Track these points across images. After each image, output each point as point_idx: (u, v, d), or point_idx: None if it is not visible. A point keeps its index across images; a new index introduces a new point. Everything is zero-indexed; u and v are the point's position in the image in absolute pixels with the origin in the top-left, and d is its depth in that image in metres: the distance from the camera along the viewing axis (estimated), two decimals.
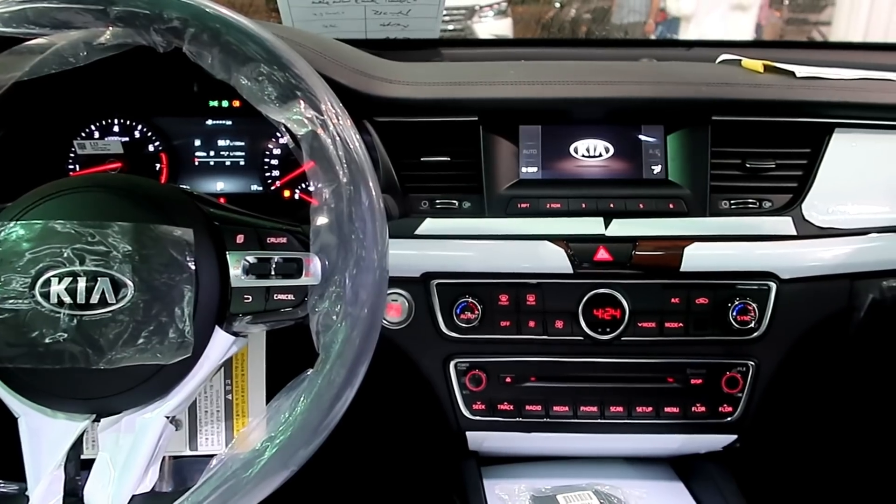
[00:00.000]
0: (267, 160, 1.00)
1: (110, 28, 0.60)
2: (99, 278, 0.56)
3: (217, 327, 0.61)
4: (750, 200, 0.89)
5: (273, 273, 0.60)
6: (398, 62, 1.01)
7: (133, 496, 0.60)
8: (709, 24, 4.78)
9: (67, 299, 0.55)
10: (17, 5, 0.58)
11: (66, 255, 0.56)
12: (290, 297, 0.60)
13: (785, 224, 0.87)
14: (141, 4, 0.57)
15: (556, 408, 0.91)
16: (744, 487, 0.95)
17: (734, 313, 0.86)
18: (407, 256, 0.86)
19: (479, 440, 0.96)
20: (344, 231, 0.57)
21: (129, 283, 0.56)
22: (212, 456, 0.60)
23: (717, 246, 0.86)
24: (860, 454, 1.18)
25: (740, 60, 1.07)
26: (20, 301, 0.56)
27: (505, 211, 0.88)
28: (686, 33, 5.00)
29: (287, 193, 1.01)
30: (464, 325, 0.87)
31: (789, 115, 0.89)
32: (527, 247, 0.86)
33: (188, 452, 0.83)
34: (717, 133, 0.88)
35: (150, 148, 1.00)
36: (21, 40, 0.60)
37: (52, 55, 0.65)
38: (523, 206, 0.88)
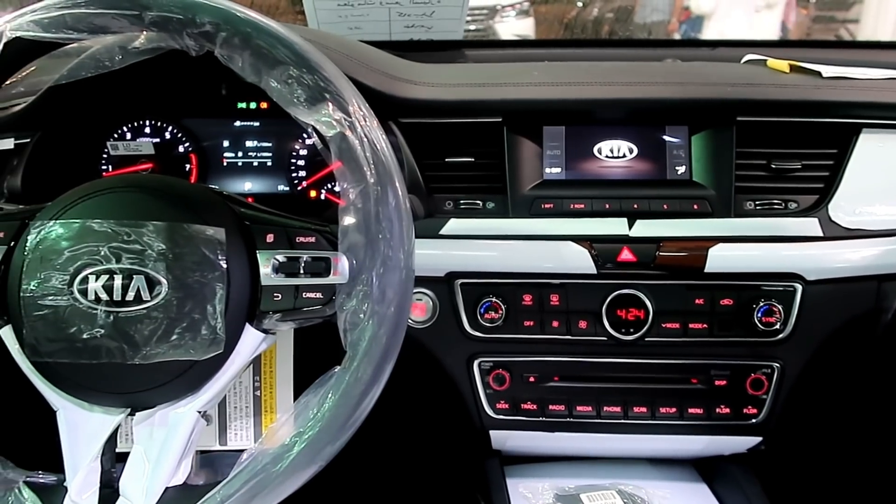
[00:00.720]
0: (294, 161, 1.02)
1: (145, 33, 0.61)
2: (134, 276, 0.57)
3: (247, 324, 0.62)
4: (775, 201, 0.89)
5: (302, 272, 0.61)
6: (422, 63, 1.02)
7: (166, 488, 0.61)
8: (733, 22, 4.72)
9: (104, 296, 0.57)
10: (57, 11, 0.60)
11: (103, 253, 0.58)
12: (319, 295, 0.61)
13: (811, 225, 0.86)
14: (175, 10, 0.59)
15: (579, 408, 0.91)
16: (768, 490, 0.94)
17: (759, 314, 0.86)
18: (431, 256, 0.87)
19: (503, 439, 0.96)
20: (371, 231, 0.58)
21: (164, 280, 0.58)
22: (241, 451, 0.61)
23: (741, 247, 0.86)
24: (887, 458, 1.16)
25: (765, 60, 1.07)
26: (59, 298, 0.57)
27: (529, 211, 0.88)
28: (710, 32, 4.96)
29: (313, 194, 1.02)
30: (488, 324, 0.88)
31: (815, 116, 0.88)
32: (550, 247, 0.86)
33: (217, 447, 0.85)
34: (742, 133, 0.88)
35: (181, 149, 1.02)
36: (59, 45, 0.62)
37: (88, 59, 0.67)
38: (547, 206, 0.88)
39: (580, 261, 0.86)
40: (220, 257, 0.59)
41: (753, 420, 0.91)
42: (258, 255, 0.62)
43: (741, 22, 4.68)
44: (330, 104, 0.59)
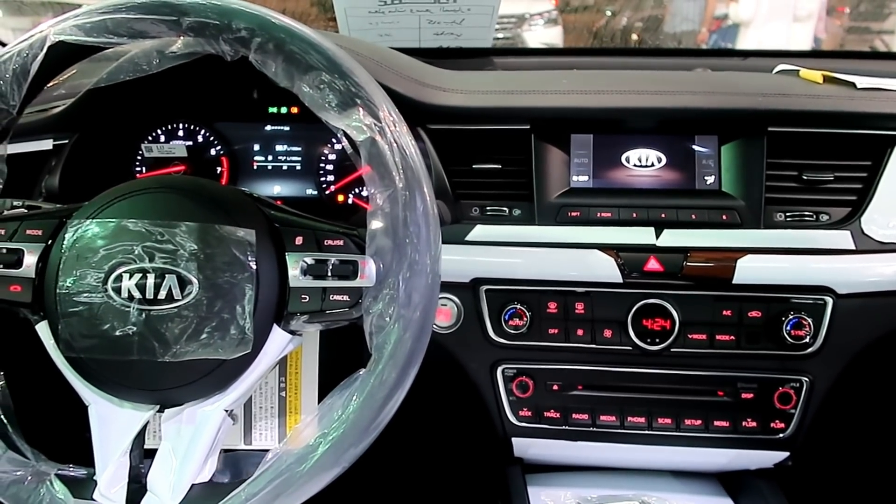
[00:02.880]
0: (322, 165, 1.03)
1: (182, 37, 0.62)
2: (167, 275, 0.58)
3: (275, 325, 0.62)
4: (806, 213, 0.87)
5: (329, 274, 0.61)
6: (451, 71, 1.02)
7: (192, 485, 0.62)
8: (766, 32, 4.67)
9: (137, 294, 0.58)
10: (98, 16, 0.62)
11: (136, 252, 0.59)
12: (346, 298, 0.61)
13: (843, 238, 0.85)
14: (211, 15, 0.60)
15: (602, 417, 0.91)
16: None
17: (788, 328, 0.84)
18: (457, 262, 0.87)
19: (525, 447, 0.96)
20: (399, 235, 0.59)
21: (195, 280, 0.59)
22: (265, 450, 0.62)
23: (771, 259, 0.85)
24: None
25: (798, 71, 1.05)
26: (94, 295, 0.59)
27: (555, 219, 0.88)
28: (742, 41, 4.90)
29: (341, 198, 1.03)
30: (512, 331, 0.88)
31: (849, 127, 0.87)
32: (576, 255, 0.86)
33: (242, 446, 0.86)
34: (773, 144, 0.87)
35: (212, 152, 1.04)
36: (100, 49, 0.64)
37: (126, 62, 0.69)
38: (573, 214, 0.88)
39: (606, 269, 0.85)
40: (249, 258, 0.60)
41: (781, 435, 0.90)
42: (287, 257, 0.62)
43: (773, 32, 4.63)
44: (361, 109, 0.60)
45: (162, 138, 1.03)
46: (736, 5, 4.96)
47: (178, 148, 1.02)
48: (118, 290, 0.58)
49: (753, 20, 4.72)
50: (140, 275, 0.58)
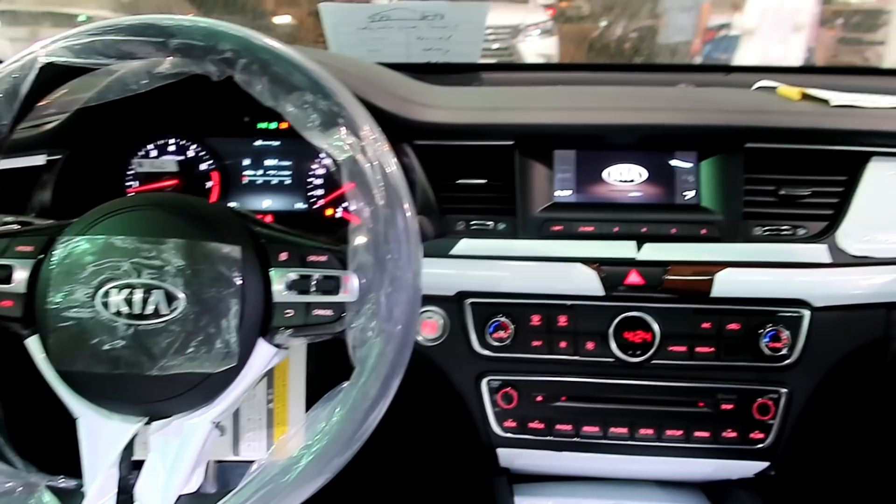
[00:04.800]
0: (311, 180, 1.05)
1: (169, 58, 0.64)
2: (154, 291, 0.60)
3: (260, 339, 0.64)
4: (784, 227, 0.89)
5: (313, 289, 0.63)
6: (438, 86, 1.04)
7: (179, 496, 0.63)
8: (759, 42, 4.71)
9: (125, 309, 0.60)
10: (87, 37, 0.63)
11: (124, 268, 0.60)
12: (329, 312, 0.63)
13: (819, 251, 0.87)
14: (198, 37, 0.62)
15: (586, 428, 0.92)
16: None
17: (766, 340, 0.86)
18: (442, 275, 0.89)
19: (511, 457, 0.97)
20: (380, 251, 0.60)
21: (181, 295, 0.60)
22: (254, 461, 0.63)
23: (749, 272, 0.86)
24: None
25: (776, 87, 1.08)
26: (83, 310, 0.60)
27: (538, 233, 0.90)
28: (737, 52, 4.94)
29: (329, 212, 1.05)
30: (496, 343, 0.89)
31: (824, 144, 0.89)
32: (559, 269, 0.88)
33: (231, 457, 0.87)
34: (750, 160, 0.89)
35: (203, 167, 1.05)
36: (89, 70, 0.65)
37: (115, 82, 0.70)
38: (556, 228, 0.90)
39: (588, 283, 0.87)
40: (235, 274, 0.62)
41: (760, 445, 0.91)
42: (272, 272, 0.64)
43: (768, 43, 4.66)
44: (343, 129, 0.61)
45: (153, 153, 1.04)
46: (731, 17, 5.00)
47: (169, 163, 1.04)
48: (106, 305, 0.60)
49: (748, 32, 4.76)
50: (128, 290, 0.60)
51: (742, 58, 4.79)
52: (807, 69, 2.91)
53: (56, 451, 0.70)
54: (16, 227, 0.70)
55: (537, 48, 5.80)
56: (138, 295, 0.60)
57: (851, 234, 0.87)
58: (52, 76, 0.65)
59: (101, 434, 0.64)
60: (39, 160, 0.93)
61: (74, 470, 0.65)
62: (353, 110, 0.62)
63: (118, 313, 0.60)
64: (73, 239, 0.63)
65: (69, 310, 0.60)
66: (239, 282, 0.62)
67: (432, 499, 1.24)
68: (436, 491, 1.24)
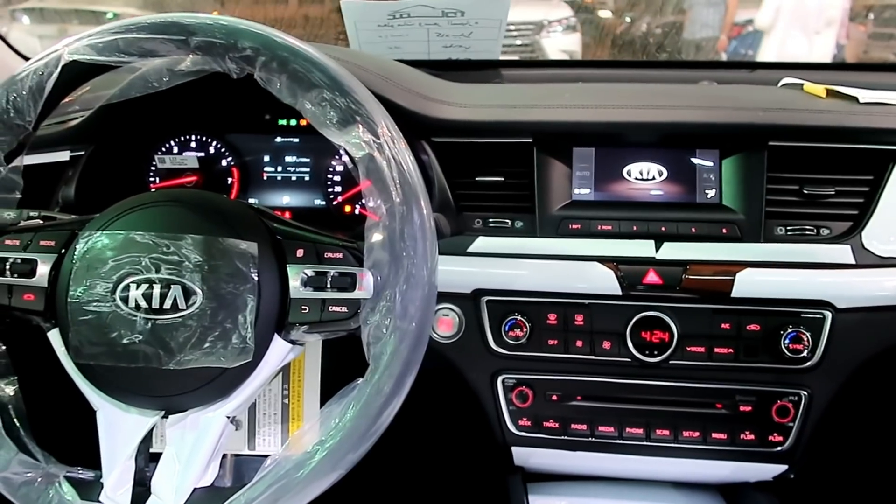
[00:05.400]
0: (330, 177, 1.05)
1: (190, 56, 0.65)
2: (172, 286, 0.61)
3: (276, 335, 0.64)
4: (807, 227, 0.88)
5: (329, 286, 0.63)
6: (456, 84, 1.04)
7: (194, 489, 0.64)
8: (788, 38, 4.62)
9: (144, 304, 0.60)
10: (110, 35, 0.64)
11: (143, 263, 0.61)
12: (344, 309, 0.63)
13: (843, 252, 0.85)
14: (218, 35, 0.62)
15: (601, 428, 0.92)
16: None
17: (786, 341, 0.85)
18: (459, 273, 0.89)
19: (525, 456, 0.97)
20: (396, 248, 0.60)
21: (199, 290, 0.61)
22: (268, 456, 0.64)
23: (770, 272, 0.85)
24: None
25: (802, 84, 1.06)
26: (102, 304, 0.61)
27: (556, 231, 0.89)
28: (764, 48, 4.86)
29: (348, 209, 1.05)
30: (512, 341, 0.89)
31: (850, 142, 0.87)
32: (577, 267, 0.87)
33: (247, 452, 0.88)
34: (774, 158, 0.88)
35: (224, 163, 1.06)
36: (112, 67, 0.66)
37: (137, 79, 0.72)
38: (575, 226, 0.89)
39: (606, 282, 0.86)
40: (252, 270, 0.62)
41: (779, 448, 0.90)
42: (288, 268, 0.64)
43: (796, 39, 4.57)
44: (360, 126, 0.62)
45: (175, 150, 1.06)
46: (757, 12, 4.91)
47: (191, 159, 1.05)
48: (126, 300, 0.61)
49: (774, 27, 4.67)
50: (147, 285, 0.61)
51: (765, 55, 4.71)
52: (834, 66, 2.87)
53: (75, 443, 0.71)
54: (39, 221, 0.71)
55: (560, 44, 5.76)
56: (157, 290, 0.61)
57: (877, 235, 0.85)
58: (76, 73, 0.67)
59: (119, 427, 0.65)
60: (63, 156, 0.95)
61: (93, 461, 0.66)
62: (370, 107, 0.63)
63: (137, 307, 0.61)
64: (93, 234, 0.64)
65: (89, 304, 0.61)
66: (255, 278, 0.62)
67: (446, 497, 1.25)
68: (450, 489, 1.24)
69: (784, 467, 0.92)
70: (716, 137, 0.90)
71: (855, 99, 0.94)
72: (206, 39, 0.63)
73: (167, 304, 0.61)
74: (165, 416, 0.65)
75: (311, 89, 0.62)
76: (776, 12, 4.57)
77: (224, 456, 0.70)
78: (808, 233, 0.88)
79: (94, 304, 0.61)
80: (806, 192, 0.88)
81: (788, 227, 0.88)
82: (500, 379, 0.92)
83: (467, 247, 0.89)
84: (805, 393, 0.88)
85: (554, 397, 0.92)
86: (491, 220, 0.91)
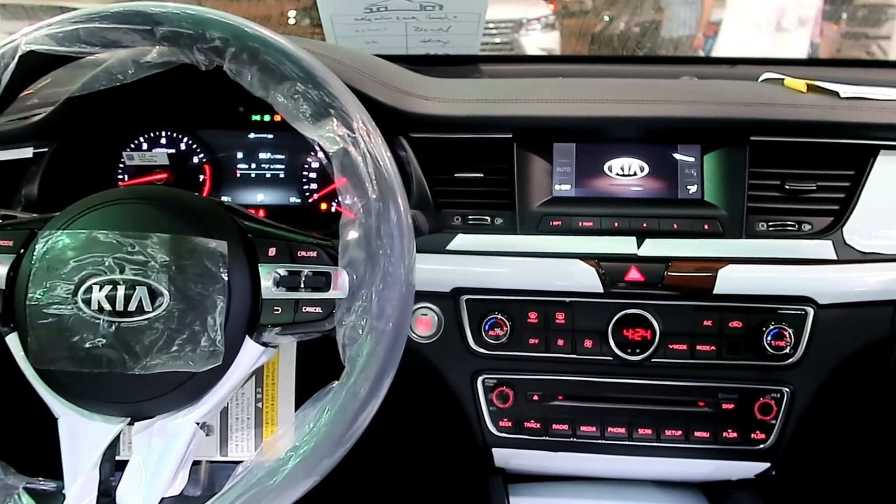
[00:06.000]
0: (305, 173, 1.03)
1: (156, 47, 0.62)
2: (137, 287, 0.58)
3: (247, 337, 0.62)
4: (788, 223, 0.87)
5: (302, 286, 0.61)
6: (435, 78, 1.02)
7: (163, 499, 0.61)
8: (761, 38, 4.67)
9: (107, 306, 0.58)
10: (71, 25, 0.62)
11: (107, 263, 0.58)
12: (318, 309, 0.61)
13: (825, 248, 0.85)
14: (185, 25, 0.60)
15: (583, 428, 0.90)
16: None
17: (769, 338, 0.84)
18: (438, 271, 0.87)
19: (506, 457, 0.96)
20: (372, 246, 0.59)
21: (166, 292, 0.58)
22: (241, 462, 0.61)
23: (752, 269, 0.84)
24: None
25: (783, 79, 1.05)
26: (63, 307, 0.58)
27: (537, 228, 0.88)
28: (737, 48, 4.90)
29: (324, 206, 1.03)
30: (492, 341, 0.87)
31: (831, 137, 0.87)
32: (558, 265, 0.86)
33: (218, 458, 0.85)
34: (755, 153, 0.87)
35: (195, 160, 1.03)
36: (73, 58, 0.63)
37: (102, 72, 0.69)
38: (555, 223, 0.88)
39: (587, 279, 0.85)
40: (221, 270, 0.60)
41: (761, 445, 0.89)
42: (260, 268, 0.62)
43: (771, 37, 4.63)
44: (334, 120, 0.60)
45: (144, 146, 1.02)
46: (732, 11, 4.96)
47: (160, 156, 1.02)
48: (88, 302, 0.58)
49: (749, 25, 4.72)
50: (110, 286, 0.58)
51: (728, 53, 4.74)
52: (813, 61, 2.89)
53: (35, 452, 0.68)
54: None
55: (539, 42, 5.77)
56: (121, 291, 0.58)
57: (858, 230, 0.85)
58: (35, 65, 0.64)
59: (82, 435, 0.62)
60: (26, 153, 0.92)
61: (54, 471, 0.63)
62: (345, 101, 0.61)
63: (100, 310, 0.58)
64: (54, 233, 0.61)
65: (49, 306, 0.59)
66: (225, 278, 0.60)
67: (426, 500, 1.23)
68: (430, 492, 1.22)
69: (766, 465, 0.91)
70: (697, 132, 0.89)
71: (835, 94, 0.93)
72: (172, 29, 0.60)
73: (132, 307, 0.58)
74: (131, 423, 0.62)
75: (283, 81, 0.60)
76: (738, 11, 4.63)
77: (195, 463, 0.68)
78: (789, 228, 0.87)
79: (55, 306, 0.59)
80: (787, 187, 0.87)
81: (770, 223, 0.87)
82: (480, 379, 0.90)
83: (446, 244, 0.87)
84: (787, 390, 0.88)
85: (535, 397, 0.90)
86: (470, 217, 0.90)
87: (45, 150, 0.92)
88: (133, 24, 0.61)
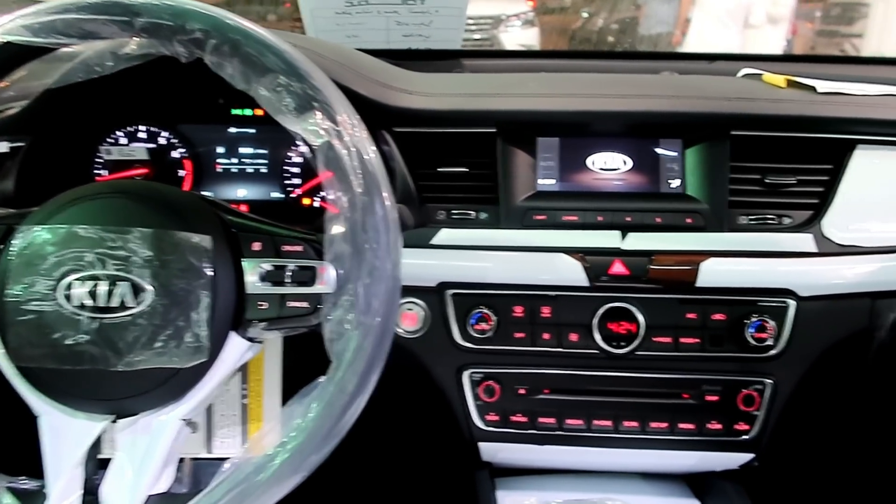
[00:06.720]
0: (288, 168, 1.02)
1: (135, 38, 0.61)
2: (119, 282, 0.57)
3: (232, 333, 0.61)
4: (769, 216, 0.88)
5: (288, 281, 0.61)
6: (418, 73, 1.02)
7: (149, 496, 0.61)
8: (736, 35, 4.72)
9: (89, 302, 0.57)
10: (47, 16, 0.60)
11: (88, 259, 0.57)
12: (304, 304, 0.61)
13: (805, 241, 0.86)
14: (165, 16, 0.59)
15: (569, 421, 0.91)
16: None
17: (751, 330, 0.85)
18: (423, 266, 0.87)
19: (493, 451, 0.96)
20: (357, 241, 0.58)
21: (149, 287, 0.57)
22: (227, 459, 0.61)
23: (734, 262, 0.85)
24: (881, 476, 1.15)
25: (762, 75, 1.06)
26: (44, 303, 0.57)
27: (521, 222, 0.88)
28: (712, 45, 4.95)
29: (307, 201, 1.02)
30: (478, 335, 0.87)
31: (810, 131, 0.88)
32: (542, 259, 0.86)
33: (204, 454, 0.84)
34: (736, 147, 0.88)
35: (175, 154, 1.02)
36: (49, 50, 0.62)
37: (79, 64, 0.67)
38: (539, 217, 0.88)
39: (572, 273, 0.85)
40: (205, 265, 0.59)
41: (745, 436, 0.90)
42: (244, 263, 0.61)
43: (747, 34, 4.68)
44: (318, 113, 0.59)
45: (122, 140, 1.01)
46: (700, 8, 5.01)
47: (139, 150, 1.00)
48: (69, 298, 0.57)
49: (715, 22, 4.78)
50: (92, 282, 0.57)
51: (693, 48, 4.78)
52: (790, 58, 2.93)
53: (16, 451, 0.67)
54: None
55: (518, 39, 5.79)
56: (103, 287, 0.57)
57: (837, 223, 0.86)
58: (10, 56, 0.63)
59: (64, 433, 0.61)
60: (2, 147, 0.90)
61: (36, 470, 0.62)
62: (329, 93, 0.60)
63: (82, 306, 0.57)
64: (33, 228, 0.60)
65: (29, 303, 0.57)
66: (210, 273, 0.59)
67: (413, 495, 1.23)
68: (417, 486, 1.22)
69: (750, 456, 0.92)
70: (679, 126, 0.90)
71: (813, 89, 0.95)
72: (151, 21, 0.59)
73: (114, 302, 0.57)
74: (115, 421, 0.61)
75: (265, 74, 0.59)
76: (707, 8, 4.69)
77: (181, 460, 0.67)
78: (770, 222, 0.88)
79: (35, 303, 0.57)
80: (768, 181, 0.88)
81: (751, 217, 0.88)
82: (466, 373, 0.90)
83: (431, 239, 0.87)
84: (770, 381, 0.89)
85: (521, 391, 0.90)
86: (454, 211, 0.89)
87: (22, 144, 0.90)
88: (111, 15, 0.59)
